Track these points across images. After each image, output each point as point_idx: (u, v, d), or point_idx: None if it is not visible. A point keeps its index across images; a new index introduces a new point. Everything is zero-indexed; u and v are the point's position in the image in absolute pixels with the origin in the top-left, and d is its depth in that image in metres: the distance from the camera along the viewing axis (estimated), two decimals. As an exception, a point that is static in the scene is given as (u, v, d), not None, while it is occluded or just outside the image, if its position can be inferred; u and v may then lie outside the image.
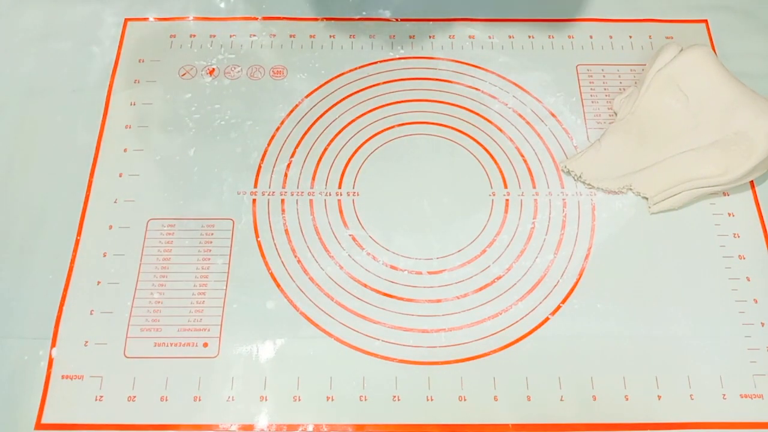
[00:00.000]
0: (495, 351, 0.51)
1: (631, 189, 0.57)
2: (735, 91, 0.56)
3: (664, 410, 0.49)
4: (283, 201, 0.57)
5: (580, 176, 0.57)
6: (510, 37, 0.64)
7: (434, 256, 0.55)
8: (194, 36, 0.65)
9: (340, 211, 0.57)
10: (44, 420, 0.49)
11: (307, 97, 0.62)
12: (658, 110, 0.58)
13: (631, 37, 0.65)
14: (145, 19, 0.66)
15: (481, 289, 0.54)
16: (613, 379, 0.50)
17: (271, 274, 0.54)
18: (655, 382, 0.50)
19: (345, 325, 0.52)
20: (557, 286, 0.54)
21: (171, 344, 0.51)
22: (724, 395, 0.50)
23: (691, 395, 0.50)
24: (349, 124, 0.61)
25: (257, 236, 0.55)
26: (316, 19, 0.65)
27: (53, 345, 0.51)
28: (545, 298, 0.53)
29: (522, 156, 0.59)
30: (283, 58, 0.64)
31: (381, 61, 0.64)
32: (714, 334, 0.52)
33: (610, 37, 0.65)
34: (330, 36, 0.65)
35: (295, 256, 0.55)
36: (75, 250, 0.54)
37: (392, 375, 0.50)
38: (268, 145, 0.59)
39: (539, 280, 0.54)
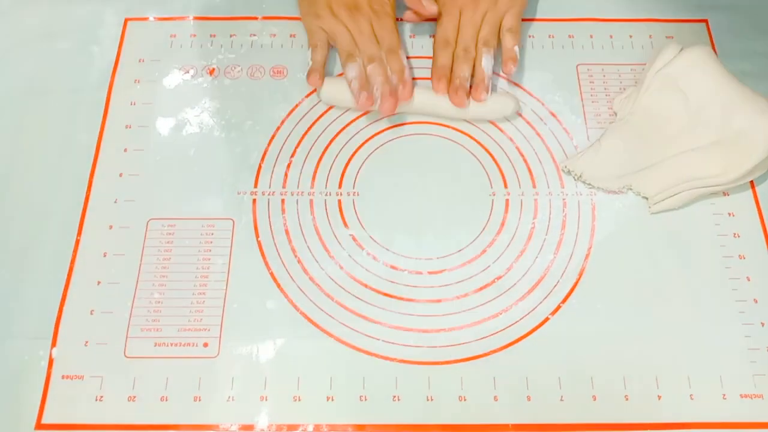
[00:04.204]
0: (495, 351, 0.51)
1: (631, 189, 0.57)
2: (735, 91, 0.56)
3: (664, 410, 0.49)
4: (283, 201, 0.57)
5: (580, 176, 0.57)
6: (510, 36, 0.64)
7: (434, 256, 0.55)
8: (194, 36, 0.65)
9: (341, 211, 0.56)
10: (44, 420, 0.49)
11: (307, 97, 0.62)
12: (658, 110, 0.58)
13: (631, 36, 0.65)
14: (145, 18, 0.66)
15: (481, 289, 0.54)
16: (613, 379, 0.50)
17: (271, 274, 0.54)
18: (655, 382, 0.50)
19: (345, 325, 0.52)
20: (557, 286, 0.54)
21: (171, 344, 0.51)
22: (724, 395, 0.50)
23: (691, 395, 0.50)
24: (350, 124, 0.60)
25: (257, 236, 0.55)
26: (316, 19, 0.65)
27: (53, 345, 0.51)
28: (545, 298, 0.53)
29: (522, 156, 0.59)
30: (284, 58, 0.64)
31: (381, 61, 0.64)
32: (714, 334, 0.52)
33: (611, 36, 0.65)
34: (330, 36, 0.65)
35: (296, 256, 0.55)
36: (75, 250, 0.54)
37: (392, 375, 0.50)
38: (269, 145, 0.59)
39: (539, 280, 0.54)
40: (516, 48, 0.61)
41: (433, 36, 0.63)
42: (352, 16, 0.60)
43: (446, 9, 0.62)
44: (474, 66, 0.60)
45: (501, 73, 0.62)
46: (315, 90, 0.61)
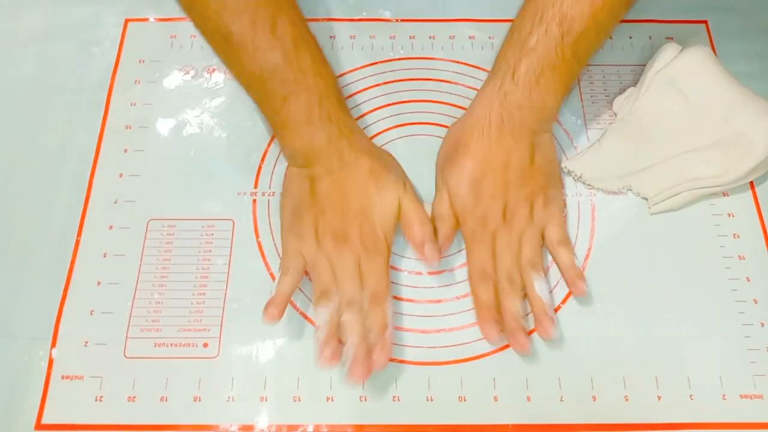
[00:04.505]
0: (495, 351, 0.51)
1: (630, 189, 0.57)
2: (734, 92, 0.56)
3: (663, 410, 0.49)
4: (283, 201, 0.57)
5: (579, 177, 0.57)
6: (510, 37, 0.64)
7: (434, 256, 0.55)
8: (194, 36, 0.65)
9: (340, 212, 0.56)
10: (44, 420, 0.49)
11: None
12: (657, 111, 0.58)
13: (631, 37, 0.65)
14: (146, 19, 0.66)
15: (481, 289, 0.53)
16: (613, 379, 0.50)
17: (271, 275, 0.54)
18: (655, 383, 0.50)
19: (345, 325, 0.52)
20: (557, 286, 0.53)
21: (171, 344, 0.51)
22: (724, 395, 0.50)
23: (690, 395, 0.50)
24: (349, 124, 0.60)
25: (257, 236, 0.55)
26: (316, 20, 0.65)
27: (53, 345, 0.51)
28: (545, 298, 0.53)
29: (522, 156, 0.59)
30: (284, 59, 0.64)
31: (381, 62, 0.64)
32: (714, 335, 0.52)
33: (610, 37, 0.65)
34: (330, 36, 0.65)
35: (295, 257, 0.55)
36: (75, 251, 0.54)
37: (392, 375, 0.50)
38: (269, 145, 0.59)
39: (539, 280, 0.54)
40: (575, 261, 0.52)
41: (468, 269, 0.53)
42: (338, 248, 0.50)
43: (476, 236, 0.52)
44: (529, 296, 0.51)
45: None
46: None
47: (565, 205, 0.56)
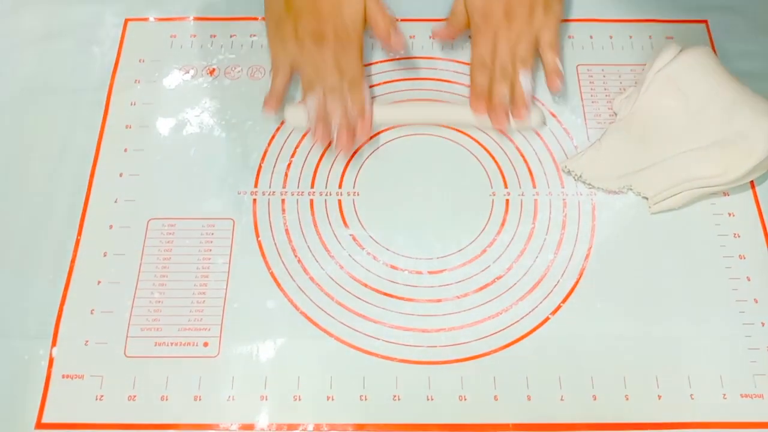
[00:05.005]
0: (495, 351, 0.51)
1: (631, 189, 0.57)
2: (734, 92, 0.56)
3: (664, 410, 0.49)
4: (283, 201, 0.57)
5: (580, 176, 0.57)
6: (510, 37, 0.64)
7: (434, 255, 0.55)
8: (194, 36, 0.65)
9: (341, 211, 0.56)
10: (45, 419, 0.49)
11: (307, 97, 0.62)
12: (657, 110, 0.58)
13: (631, 37, 0.65)
14: (146, 19, 0.66)
15: (481, 288, 0.54)
16: (613, 379, 0.50)
17: (272, 274, 0.54)
18: (655, 382, 0.50)
19: (345, 324, 0.52)
20: (557, 286, 0.54)
21: (171, 344, 0.51)
22: (725, 395, 0.50)
23: (691, 395, 0.50)
24: (350, 124, 0.60)
25: (258, 236, 0.55)
26: (316, 19, 0.65)
27: (54, 344, 0.51)
28: (545, 298, 0.53)
29: (522, 156, 0.59)
30: (284, 58, 0.64)
31: (381, 62, 0.64)
32: (714, 334, 0.52)
33: (610, 37, 0.65)
34: (330, 36, 0.65)
35: (296, 256, 0.55)
36: (75, 250, 0.54)
37: (392, 375, 0.50)
38: (269, 145, 0.59)
39: (539, 280, 0.54)
40: (558, 63, 0.60)
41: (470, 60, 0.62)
42: (317, 45, 0.58)
43: (480, 30, 0.60)
44: (513, 85, 0.59)
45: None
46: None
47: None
